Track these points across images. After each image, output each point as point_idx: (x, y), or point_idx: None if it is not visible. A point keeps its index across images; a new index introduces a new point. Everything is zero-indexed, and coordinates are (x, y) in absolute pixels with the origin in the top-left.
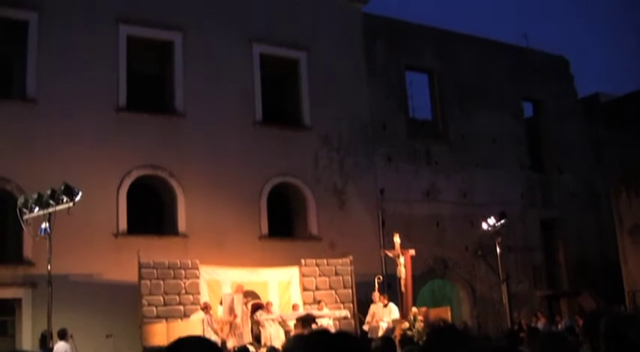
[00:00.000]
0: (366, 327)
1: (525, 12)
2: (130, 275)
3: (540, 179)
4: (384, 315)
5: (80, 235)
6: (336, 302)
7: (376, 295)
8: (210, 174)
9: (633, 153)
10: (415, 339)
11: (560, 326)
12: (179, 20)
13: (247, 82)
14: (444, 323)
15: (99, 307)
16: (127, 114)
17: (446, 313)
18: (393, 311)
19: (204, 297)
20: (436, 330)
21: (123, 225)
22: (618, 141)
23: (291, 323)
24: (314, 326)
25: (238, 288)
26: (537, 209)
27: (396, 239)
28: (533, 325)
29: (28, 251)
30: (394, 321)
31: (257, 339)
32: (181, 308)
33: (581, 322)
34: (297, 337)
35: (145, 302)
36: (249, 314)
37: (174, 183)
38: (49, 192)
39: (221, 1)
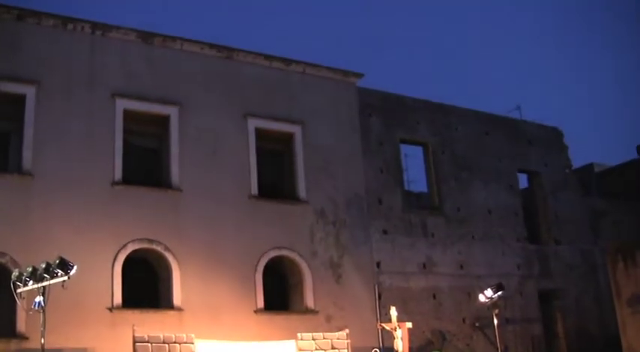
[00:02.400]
0: None
1: (518, 83)
2: (125, 350)
3: (537, 250)
4: None
5: (75, 309)
6: None
7: None
8: (206, 247)
9: (629, 222)
10: None
11: None
12: (175, 95)
13: (243, 156)
14: None
15: None
16: (122, 187)
17: None
18: None
19: None
20: None
21: (118, 298)
22: (614, 211)
23: None
24: None
25: None
26: (535, 280)
27: (393, 311)
28: None
29: (21, 325)
30: None
31: None
32: None
33: None
34: None
35: None
36: None
37: (169, 256)
38: (43, 265)
39: (217, 76)
